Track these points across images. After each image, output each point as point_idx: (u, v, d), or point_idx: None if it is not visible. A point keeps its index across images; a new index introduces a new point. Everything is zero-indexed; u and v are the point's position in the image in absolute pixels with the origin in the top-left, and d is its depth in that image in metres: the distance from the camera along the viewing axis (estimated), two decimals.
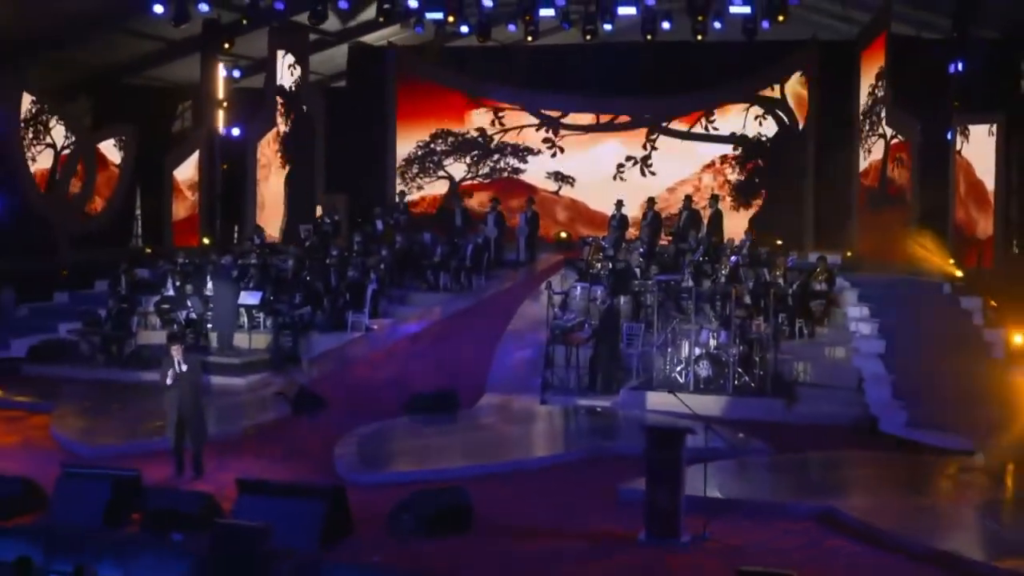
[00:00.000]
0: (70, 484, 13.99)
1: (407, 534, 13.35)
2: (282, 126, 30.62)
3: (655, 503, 13.55)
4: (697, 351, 20.63)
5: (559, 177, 31.39)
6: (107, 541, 12.98)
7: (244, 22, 27.50)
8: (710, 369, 20.46)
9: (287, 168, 30.98)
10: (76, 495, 13.78)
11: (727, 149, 30.36)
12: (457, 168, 32.06)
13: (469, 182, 31.93)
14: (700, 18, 26.38)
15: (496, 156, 31.82)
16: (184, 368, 15.74)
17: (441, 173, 32.19)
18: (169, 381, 15.72)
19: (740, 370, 20.38)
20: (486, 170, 31.89)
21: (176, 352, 15.88)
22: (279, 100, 30.39)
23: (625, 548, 13.23)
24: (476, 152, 31.93)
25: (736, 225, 28.42)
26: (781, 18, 25.69)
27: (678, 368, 20.84)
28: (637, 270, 23.69)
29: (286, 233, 30.11)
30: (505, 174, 31.70)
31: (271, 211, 30.69)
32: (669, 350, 21.10)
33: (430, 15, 27.84)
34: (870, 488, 15.77)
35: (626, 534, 13.60)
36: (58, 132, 28.71)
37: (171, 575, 12.36)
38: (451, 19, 27.60)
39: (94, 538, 13.02)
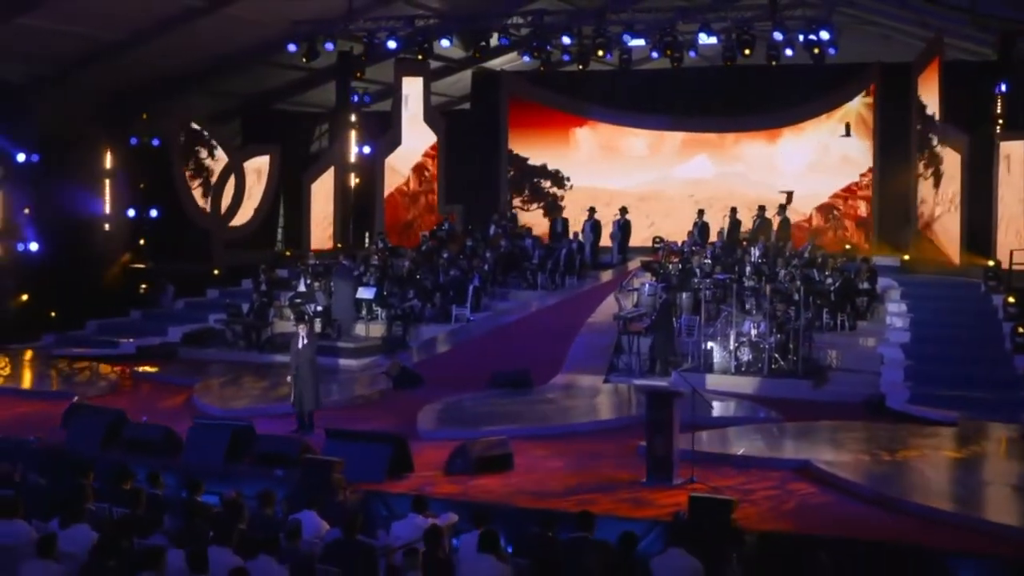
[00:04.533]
0: (199, 432, 18.09)
1: (458, 473, 17.11)
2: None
3: (653, 452, 17.05)
4: (740, 339, 23.88)
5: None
6: (226, 474, 16.90)
7: (363, 58, 31.08)
8: (750, 354, 23.68)
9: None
10: (203, 440, 17.84)
11: (803, 163, 33.22)
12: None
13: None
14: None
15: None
16: (304, 344, 19.78)
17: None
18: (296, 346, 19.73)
19: (776, 355, 23.57)
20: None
21: (300, 330, 20.03)
22: None
23: (629, 486, 16.73)
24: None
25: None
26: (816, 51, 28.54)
27: (724, 354, 24.08)
28: (698, 270, 26.93)
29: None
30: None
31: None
32: (719, 338, 24.35)
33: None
34: (846, 448, 18.92)
35: (632, 477, 17.11)
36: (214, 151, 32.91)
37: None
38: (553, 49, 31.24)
39: (216, 472, 16.96)
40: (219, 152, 32.95)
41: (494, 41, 31.83)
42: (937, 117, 29.14)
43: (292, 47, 29.27)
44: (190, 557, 11.30)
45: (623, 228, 31.80)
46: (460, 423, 20.80)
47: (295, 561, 11.94)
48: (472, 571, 11.83)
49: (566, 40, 30.55)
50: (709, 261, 27.79)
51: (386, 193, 34.47)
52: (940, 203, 29.03)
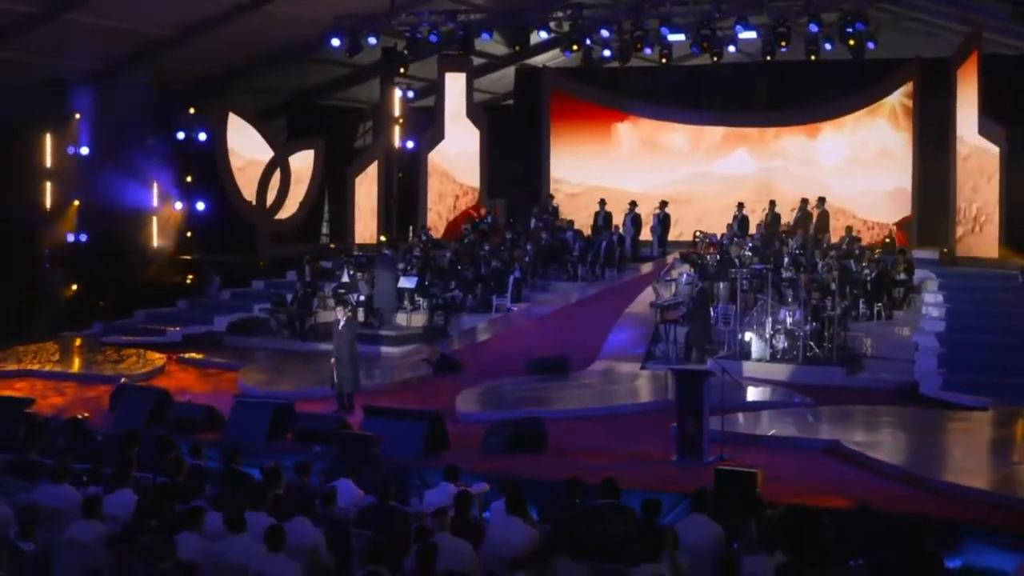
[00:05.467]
0: (241, 411, 18.62)
1: (493, 451, 17.50)
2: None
3: (684, 430, 17.38)
4: (776, 327, 24.14)
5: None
6: (267, 451, 17.35)
7: (405, 52, 31.52)
8: (785, 342, 23.93)
9: None
10: (245, 418, 18.37)
11: (842, 157, 33.40)
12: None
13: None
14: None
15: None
16: (343, 326, 20.27)
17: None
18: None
19: (812, 343, 23.80)
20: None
21: (339, 313, 20.54)
22: None
23: (659, 464, 17.11)
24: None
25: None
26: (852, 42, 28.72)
27: (760, 342, 24.33)
28: (737, 260, 27.18)
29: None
30: None
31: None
32: (755, 327, 24.61)
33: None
34: (877, 430, 19.18)
35: (664, 456, 17.48)
36: (260, 147, 33.53)
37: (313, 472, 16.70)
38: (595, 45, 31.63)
39: (257, 448, 17.42)
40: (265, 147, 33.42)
41: (535, 38, 32.31)
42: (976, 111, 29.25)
43: (335, 41, 29.72)
44: (228, 518, 11.75)
45: (663, 222, 32.06)
46: (497, 406, 21.20)
47: (330, 525, 12.35)
48: (501, 533, 12.20)
49: (604, 33, 30.77)
50: (748, 253, 28.02)
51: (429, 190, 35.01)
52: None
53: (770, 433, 18.63)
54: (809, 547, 11.95)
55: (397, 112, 35.10)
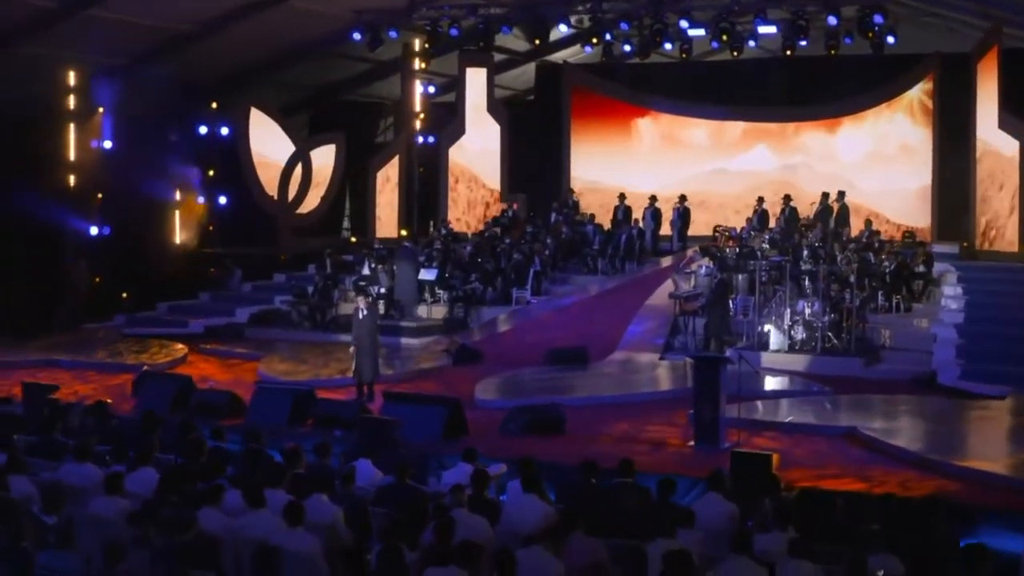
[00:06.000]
0: (263, 396, 18.79)
1: (511, 436, 17.63)
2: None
3: (701, 416, 17.49)
4: (794, 318, 24.19)
5: None
6: (288, 435, 17.50)
7: (427, 46, 31.68)
8: (803, 333, 23.98)
9: None
10: (266, 404, 18.54)
11: (863, 152, 33.44)
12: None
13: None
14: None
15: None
16: (364, 315, 20.43)
17: None
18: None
19: (830, 334, 23.85)
20: None
21: (360, 302, 20.71)
22: None
23: (676, 449, 17.23)
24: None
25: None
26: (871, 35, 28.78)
27: (778, 334, 24.38)
28: (758, 253, 27.24)
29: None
30: None
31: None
32: (773, 318, 24.67)
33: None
34: (894, 417, 19.25)
35: (681, 442, 17.61)
36: (282, 142, 33.68)
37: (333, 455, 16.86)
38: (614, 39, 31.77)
39: (279, 433, 17.56)
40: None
41: (556, 34, 32.37)
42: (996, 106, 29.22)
43: (357, 35, 29.87)
44: (247, 494, 11.90)
45: (682, 216, 32.17)
46: (516, 393, 21.32)
47: (349, 504, 12.47)
48: (516, 510, 12.31)
49: (624, 26, 30.86)
50: (767, 246, 28.09)
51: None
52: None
53: (787, 420, 18.71)
54: (824, 528, 12.04)
55: (418, 107, 35.23)
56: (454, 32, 30.01)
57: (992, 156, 28.86)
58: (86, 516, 11.96)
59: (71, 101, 29.79)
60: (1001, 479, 15.23)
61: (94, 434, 15.37)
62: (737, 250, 27.70)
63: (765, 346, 24.06)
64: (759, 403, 19.56)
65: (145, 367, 22.36)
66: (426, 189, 35.44)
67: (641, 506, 12.52)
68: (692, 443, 17.39)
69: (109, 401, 18.83)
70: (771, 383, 21.88)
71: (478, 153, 35.46)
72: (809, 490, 14.19)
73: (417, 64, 33.55)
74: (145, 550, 11.16)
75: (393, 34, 29.99)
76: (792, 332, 23.98)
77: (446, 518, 11.12)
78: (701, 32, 31.00)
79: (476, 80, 35.00)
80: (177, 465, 13.51)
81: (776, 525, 11.59)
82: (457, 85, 35.26)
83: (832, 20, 28.78)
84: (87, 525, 11.75)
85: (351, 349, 20.84)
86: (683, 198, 32.29)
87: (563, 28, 31.82)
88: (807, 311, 24.09)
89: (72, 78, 29.63)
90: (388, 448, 15.60)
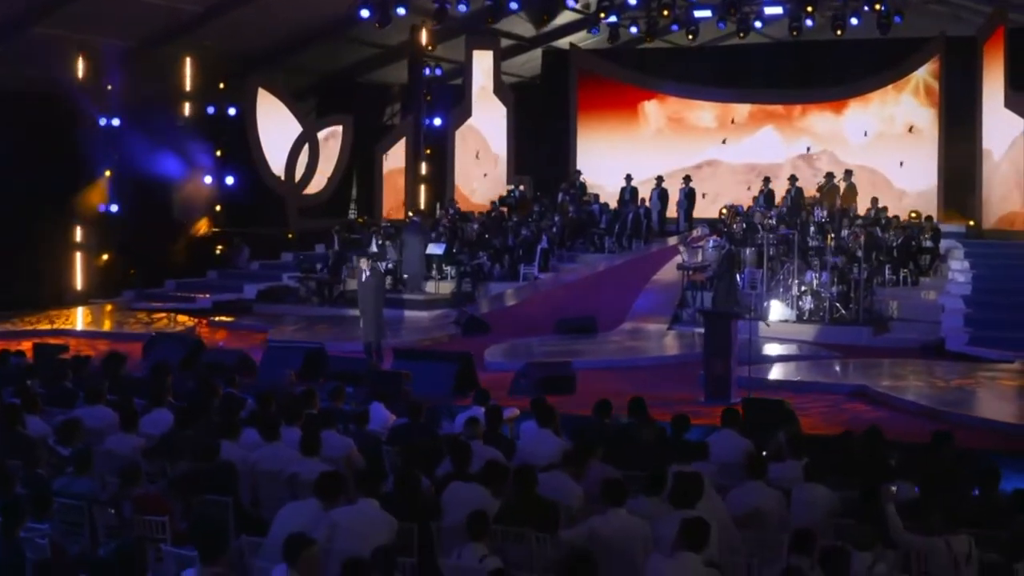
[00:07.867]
0: (273, 354, 18.85)
1: (522, 392, 17.65)
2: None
3: (712, 372, 17.55)
4: (802, 289, 24.24)
5: None
6: None
7: (435, 23, 31.69)
8: (811, 303, 24.03)
9: None
10: (278, 362, 18.53)
11: (870, 134, 33.48)
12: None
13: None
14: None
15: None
16: (367, 276, 20.50)
17: None
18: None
19: (838, 304, 23.89)
20: None
21: (364, 265, 20.75)
22: None
23: (687, 404, 17.24)
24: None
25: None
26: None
27: (786, 305, 24.41)
28: (761, 227, 27.25)
29: None
30: None
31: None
32: (781, 290, 24.72)
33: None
34: (903, 377, 19.32)
35: (692, 397, 17.67)
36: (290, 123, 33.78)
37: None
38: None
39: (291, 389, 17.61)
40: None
41: (563, 18, 32.45)
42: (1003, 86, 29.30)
43: (365, 12, 29.88)
44: (263, 428, 11.97)
45: (688, 196, 32.23)
46: (526, 357, 21.33)
47: (362, 443, 12.52)
48: (532, 445, 12.40)
49: (632, 3, 30.92)
50: (773, 221, 28.12)
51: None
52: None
53: (797, 378, 18.78)
54: (840, 461, 12.06)
55: (425, 89, 35.28)
56: (462, 8, 29.98)
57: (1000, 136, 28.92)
58: (101, 452, 12.00)
59: (82, 80, 29.79)
60: (1015, 427, 15.29)
61: (105, 378, 15.39)
62: (744, 225, 27.73)
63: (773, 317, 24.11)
64: (768, 366, 19.60)
65: (154, 333, 22.39)
66: (432, 171, 35.46)
67: (654, 441, 12.56)
68: (702, 398, 17.44)
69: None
70: (779, 349, 21.91)
71: (485, 135, 35.50)
72: (818, 436, 14.26)
73: (424, 39, 33.33)
74: (162, 481, 11.24)
75: (401, 11, 29.98)
76: (800, 302, 24.03)
77: (463, 446, 11.18)
78: (708, 13, 31.11)
79: (483, 62, 35.02)
80: (192, 405, 13.52)
81: (791, 454, 11.66)
82: (464, 68, 35.30)
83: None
84: (102, 459, 11.80)
85: (358, 314, 20.90)
86: (687, 179, 32.37)
87: (570, 3, 31.77)
88: (815, 282, 24.14)
89: (83, 58, 29.65)
90: (400, 400, 15.67)
